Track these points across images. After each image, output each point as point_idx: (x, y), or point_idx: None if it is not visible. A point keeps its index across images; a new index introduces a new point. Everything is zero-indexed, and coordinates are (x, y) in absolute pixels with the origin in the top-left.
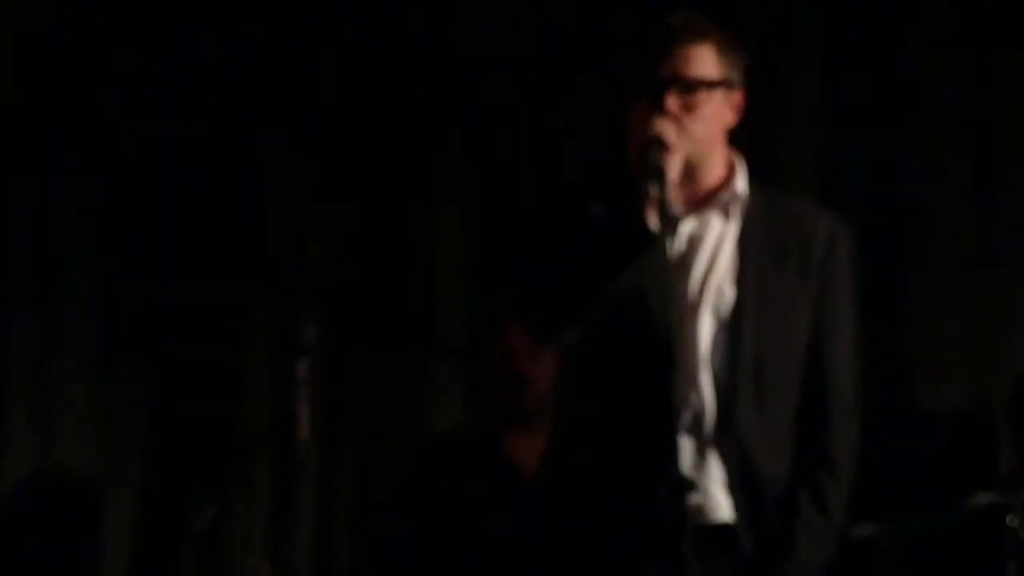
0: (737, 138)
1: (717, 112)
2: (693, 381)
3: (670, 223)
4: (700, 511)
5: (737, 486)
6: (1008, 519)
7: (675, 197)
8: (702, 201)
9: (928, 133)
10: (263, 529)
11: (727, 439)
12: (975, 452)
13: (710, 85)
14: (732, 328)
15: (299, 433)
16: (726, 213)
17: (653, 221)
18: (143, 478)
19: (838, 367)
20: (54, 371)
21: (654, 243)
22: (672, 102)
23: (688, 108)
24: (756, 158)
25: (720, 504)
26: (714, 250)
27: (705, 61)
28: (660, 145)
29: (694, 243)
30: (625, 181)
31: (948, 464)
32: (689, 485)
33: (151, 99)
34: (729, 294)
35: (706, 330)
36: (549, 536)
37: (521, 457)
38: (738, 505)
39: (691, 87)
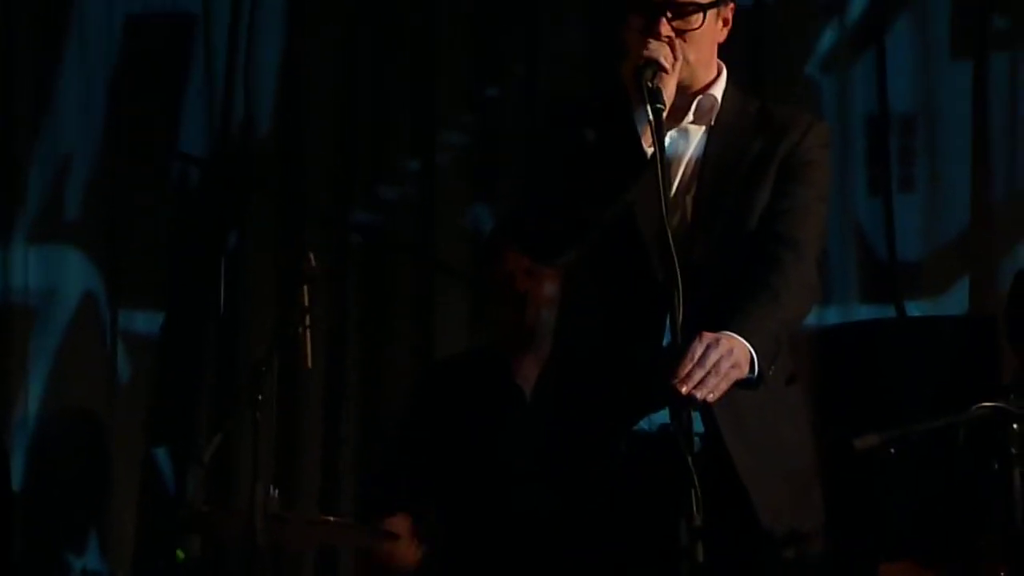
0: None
1: (710, 31)
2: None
3: (663, 144)
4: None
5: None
6: (1014, 426)
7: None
8: (681, 112)
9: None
10: (270, 457)
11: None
12: (977, 359)
13: (702, 7)
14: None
15: (303, 360)
16: (704, 121)
17: (647, 143)
18: (150, 410)
19: (799, 252)
20: (58, 311)
21: (647, 165)
22: (665, 27)
23: (681, 31)
24: None
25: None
26: (698, 161)
27: None
28: (655, 67)
29: (675, 156)
30: (618, 101)
31: (949, 372)
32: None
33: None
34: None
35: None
36: (548, 448)
37: (527, 377)
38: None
39: (683, 11)
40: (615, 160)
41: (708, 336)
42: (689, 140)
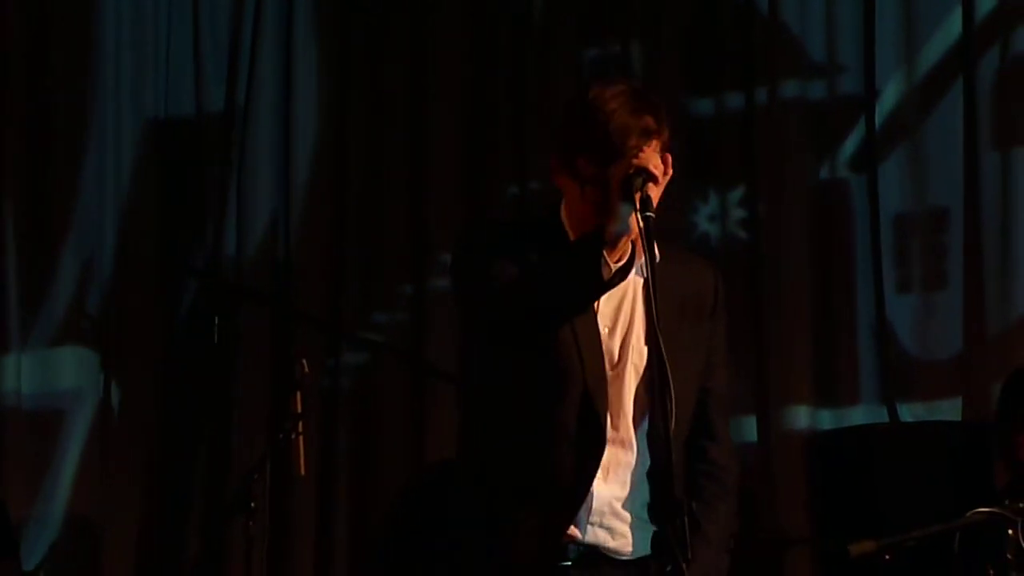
0: None
1: None
2: (620, 433)
3: (654, 253)
4: (619, 551)
5: (668, 523)
6: (1009, 532)
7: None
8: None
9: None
10: (263, 564)
11: (661, 482)
12: (971, 465)
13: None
14: (650, 384)
15: (297, 467)
16: (639, 270)
17: (611, 260)
18: (143, 515)
19: (722, 402)
20: (51, 423)
21: (603, 291)
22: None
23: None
24: None
25: (633, 540)
26: (631, 308)
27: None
28: (646, 175)
29: (617, 302)
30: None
31: (944, 478)
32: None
33: None
34: (644, 351)
35: (630, 385)
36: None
37: None
38: (660, 539)
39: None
40: (580, 281)
41: None
42: (628, 283)
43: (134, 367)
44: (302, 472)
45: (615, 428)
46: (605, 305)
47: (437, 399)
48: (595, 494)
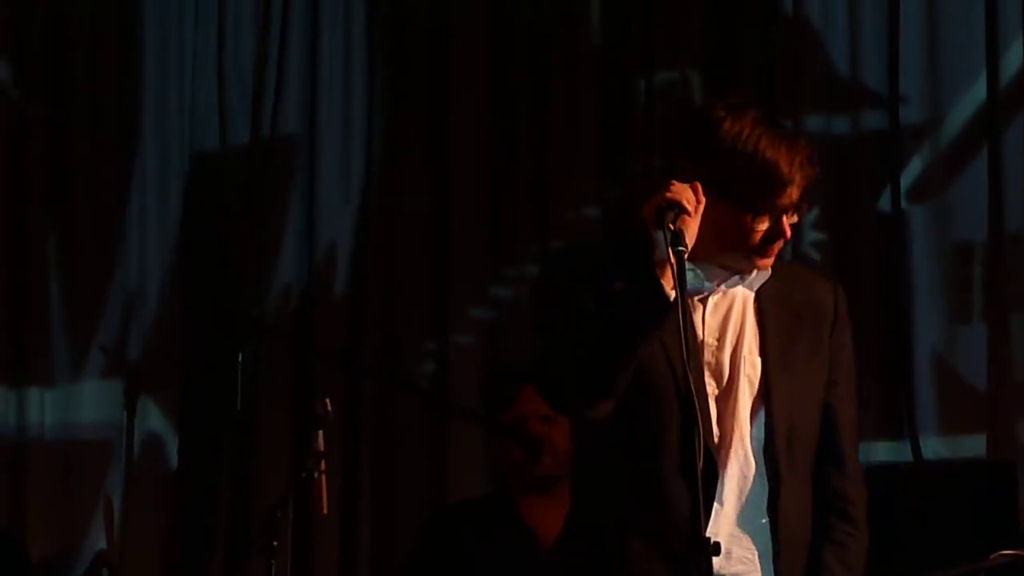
0: None
1: None
2: (735, 451)
3: (684, 286)
4: None
5: (780, 552)
6: None
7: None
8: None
9: None
10: None
11: (771, 507)
12: (995, 505)
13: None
14: (765, 397)
15: (320, 506)
16: (748, 284)
17: (669, 289)
18: (165, 552)
19: (849, 425)
20: (73, 457)
21: (672, 311)
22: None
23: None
24: None
25: (758, 570)
26: (740, 319)
27: None
28: (678, 209)
29: (723, 314)
30: (643, 250)
31: (967, 518)
32: (715, 548)
33: None
34: (758, 363)
35: (744, 400)
36: None
37: (539, 522)
38: (780, 571)
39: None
40: (642, 309)
41: None
42: (734, 296)
43: (157, 403)
44: (324, 511)
45: (729, 445)
46: (711, 317)
47: (460, 437)
48: (713, 515)
